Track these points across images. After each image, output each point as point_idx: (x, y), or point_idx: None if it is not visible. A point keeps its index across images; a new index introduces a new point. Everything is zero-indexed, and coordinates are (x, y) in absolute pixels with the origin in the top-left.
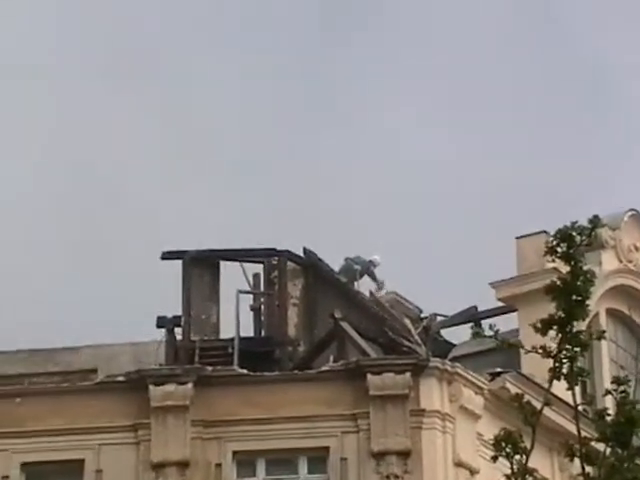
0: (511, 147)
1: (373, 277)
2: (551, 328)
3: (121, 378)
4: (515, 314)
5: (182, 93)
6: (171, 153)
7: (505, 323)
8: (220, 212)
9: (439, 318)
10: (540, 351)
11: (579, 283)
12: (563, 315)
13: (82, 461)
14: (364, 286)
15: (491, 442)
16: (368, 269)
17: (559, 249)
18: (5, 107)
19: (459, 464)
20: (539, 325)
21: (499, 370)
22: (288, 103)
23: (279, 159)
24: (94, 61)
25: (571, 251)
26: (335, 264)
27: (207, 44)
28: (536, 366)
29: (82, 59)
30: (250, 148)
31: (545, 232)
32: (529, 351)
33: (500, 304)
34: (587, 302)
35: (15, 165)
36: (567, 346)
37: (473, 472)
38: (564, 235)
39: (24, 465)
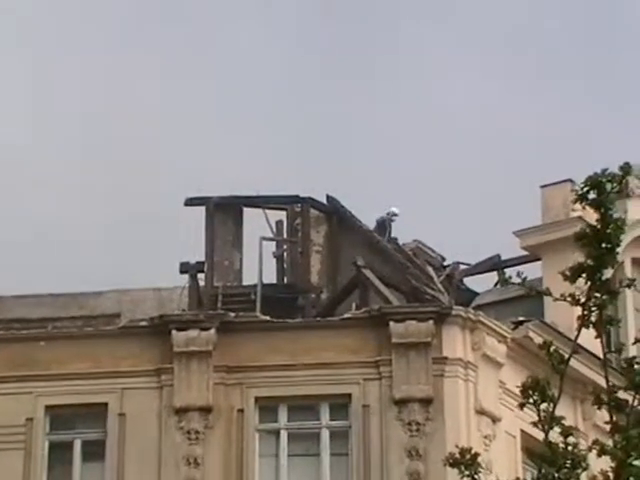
0: (537, 95)
1: (388, 230)
2: (580, 276)
3: (144, 323)
4: (538, 263)
5: (211, 45)
6: (198, 102)
7: (529, 271)
8: (245, 159)
9: (462, 266)
10: (569, 299)
11: (609, 231)
12: (592, 263)
13: (105, 405)
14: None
15: (517, 389)
16: (385, 221)
17: (589, 196)
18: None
19: (481, 412)
20: (568, 273)
21: (522, 319)
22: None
23: (308, 111)
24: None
25: (601, 198)
26: (360, 214)
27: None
28: (560, 315)
29: None
30: (279, 101)
31: (570, 181)
32: (557, 299)
33: (524, 253)
34: (617, 250)
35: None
36: (596, 294)
37: (495, 420)
38: (594, 182)
39: (48, 408)
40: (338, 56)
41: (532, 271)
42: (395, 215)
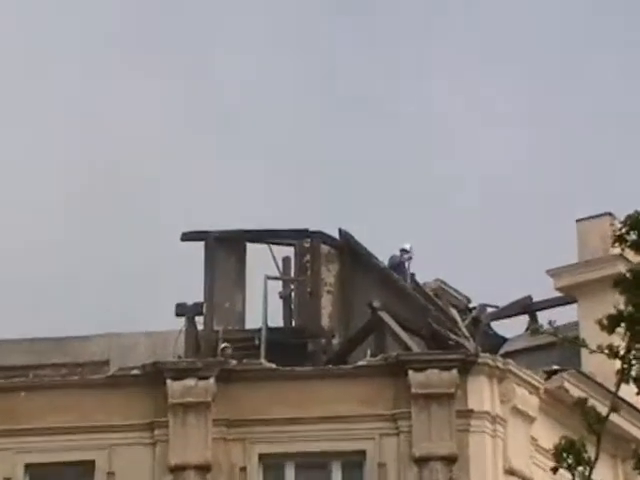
0: (569, 119)
1: (405, 268)
2: (619, 325)
3: (136, 371)
4: (575, 305)
5: (209, 66)
6: (199, 131)
7: (563, 315)
8: (249, 191)
9: (489, 309)
10: (606, 351)
11: None
12: (632, 311)
13: (92, 462)
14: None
15: (549, 451)
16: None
17: (628, 237)
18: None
19: (510, 472)
20: (605, 321)
21: (557, 368)
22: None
23: (318, 142)
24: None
25: None
26: (375, 250)
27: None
28: (599, 364)
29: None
30: (287, 131)
31: (610, 214)
32: (594, 351)
33: (558, 294)
34: None
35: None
36: (637, 345)
37: None
38: (634, 221)
39: (28, 466)
40: (345, 85)
41: (568, 314)
42: (406, 252)
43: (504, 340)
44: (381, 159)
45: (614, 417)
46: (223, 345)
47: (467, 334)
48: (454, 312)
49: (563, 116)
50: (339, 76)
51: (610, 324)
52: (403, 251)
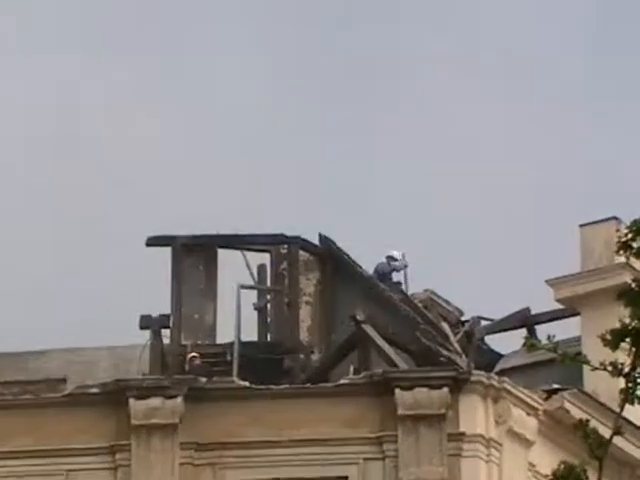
0: (567, 118)
1: (388, 277)
2: (623, 340)
3: (96, 390)
4: (577, 319)
5: (180, 64)
6: (168, 128)
7: (564, 329)
8: (221, 193)
9: (484, 322)
10: (609, 368)
11: None
12: (638, 325)
13: None
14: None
15: (548, 477)
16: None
17: (634, 244)
18: None
19: None
20: (609, 337)
21: (557, 387)
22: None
23: (298, 141)
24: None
25: None
26: (359, 259)
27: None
28: (603, 382)
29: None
30: (264, 129)
31: (615, 219)
32: (596, 368)
33: (559, 306)
34: None
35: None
36: None
37: None
38: None
39: None
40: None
41: (569, 328)
42: (394, 259)
43: (500, 356)
44: (368, 160)
45: (618, 440)
46: (191, 355)
47: (459, 350)
48: (445, 326)
49: (562, 114)
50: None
51: (614, 339)
52: (390, 258)
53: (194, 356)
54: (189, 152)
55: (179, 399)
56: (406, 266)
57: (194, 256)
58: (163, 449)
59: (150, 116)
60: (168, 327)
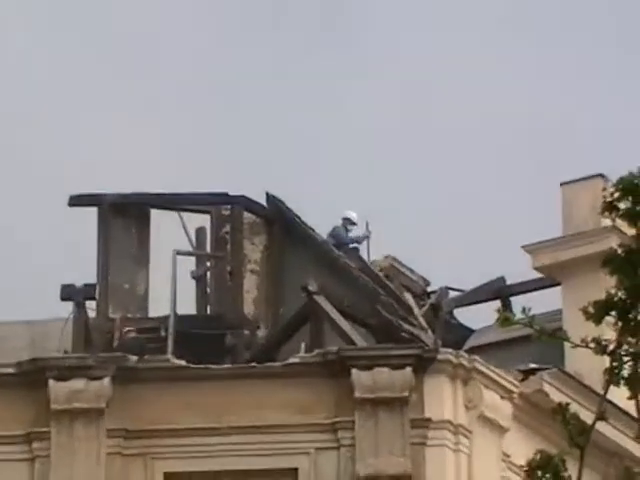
0: (554, 63)
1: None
2: (608, 314)
3: (10, 370)
4: (557, 289)
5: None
6: (97, 76)
7: (543, 301)
8: (156, 147)
9: (452, 293)
10: (592, 345)
11: None
12: (624, 296)
13: None
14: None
15: (522, 468)
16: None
17: (621, 205)
18: None
19: None
20: (591, 309)
21: (534, 366)
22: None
23: (243, 86)
24: None
25: (638, 208)
26: (312, 221)
27: None
28: (586, 361)
29: None
30: (204, 72)
31: (601, 176)
32: (577, 345)
33: (537, 275)
34: None
35: None
36: (630, 339)
37: None
38: (628, 185)
39: None
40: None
41: (548, 300)
42: (352, 223)
43: (470, 332)
44: (325, 107)
45: (603, 426)
46: (127, 329)
47: (424, 324)
48: (409, 297)
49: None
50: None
51: (597, 312)
52: (347, 221)
53: (130, 330)
54: (118, 103)
55: (106, 380)
56: (367, 236)
57: (124, 218)
58: (87, 437)
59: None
60: (93, 298)
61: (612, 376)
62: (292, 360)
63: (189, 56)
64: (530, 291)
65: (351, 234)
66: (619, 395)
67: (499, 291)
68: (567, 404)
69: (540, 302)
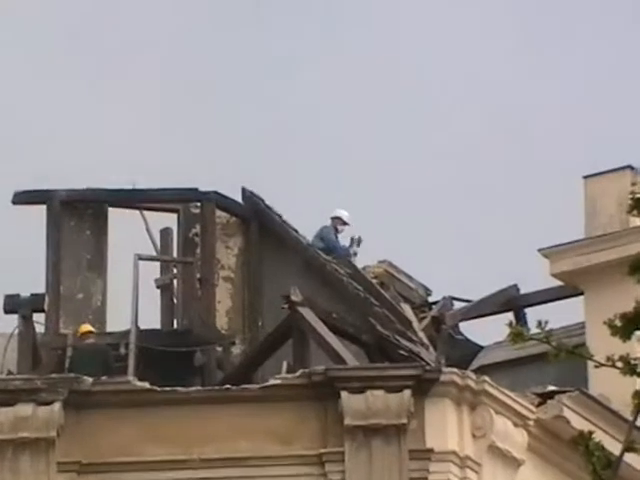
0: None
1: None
2: (638, 328)
3: None
4: (579, 299)
5: None
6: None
7: (563, 313)
8: (117, 137)
9: (457, 304)
10: (619, 364)
11: None
12: None
13: None
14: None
15: None
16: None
17: None
18: None
19: None
20: (618, 323)
21: (553, 389)
22: None
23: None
24: None
25: None
26: (297, 221)
27: None
28: (612, 381)
29: None
30: (178, 52)
31: (631, 168)
32: (602, 364)
33: (556, 283)
34: None
35: None
36: None
37: None
38: None
39: None
40: None
41: (570, 311)
42: (344, 223)
43: (479, 349)
44: (310, 92)
45: (630, 458)
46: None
47: (425, 340)
48: (407, 308)
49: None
50: None
51: (625, 326)
52: (337, 220)
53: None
54: (75, 91)
55: (56, 406)
56: (356, 253)
57: (78, 217)
58: (35, 472)
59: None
60: (42, 311)
61: None
62: (272, 382)
63: (162, 41)
64: (547, 301)
65: (342, 238)
66: None
67: (511, 301)
68: (591, 432)
69: (559, 314)
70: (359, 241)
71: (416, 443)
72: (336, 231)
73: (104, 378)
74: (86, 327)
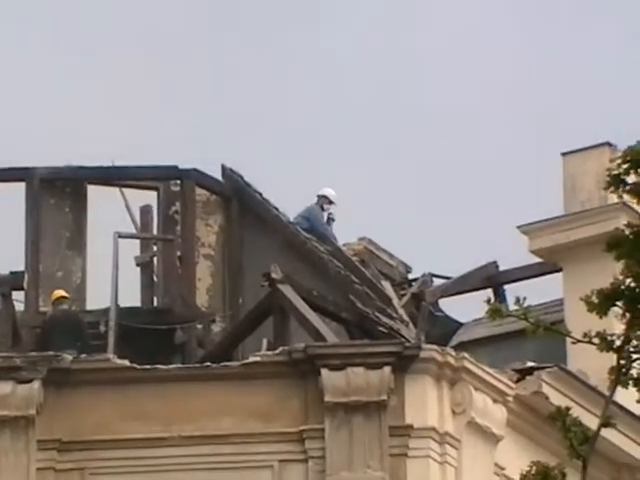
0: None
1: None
2: (615, 304)
3: None
4: (558, 276)
5: None
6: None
7: (542, 290)
8: (94, 114)
9: (437, 281)
10: (596, 341)
11: None
12: (634, 284)
13: None
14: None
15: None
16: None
17: (628, 178)
18: None
19: None
20: (595, 299)
21: (531, 365)
22: None
23: (200, 46)
24: None
25: None
26: (276, 199)
27: None
28: (591, 357)
29: None
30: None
31: (609, 145)
32: (580, 340)
33: (535, 260)
34: None
35: None
36: (639, 333)
37: None
38: (637, 156)
39: None
40: None
41: (548, 288)
42: (330, 202)
43: (458, 326)
44: (293, 67)
45: (609, 432)
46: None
47: (405, 317)
48: (387, 285)
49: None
50: None
51: (602, 303)
52: (323, 199)
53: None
54: (56, 64)
55: (36, 384)
56: (332, 219)
57: (57, 195)
58: (15, 450)
59: None
60: (22, 288)
61: (619, 376)
62: (252, 359)
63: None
64: (526, 278)
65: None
66: (628, 397)
67: (491, 278)
68: (568, 408)
69: (538, 291)
70: (331, 219)
71: (396, 419)
72: (322, 210)
73: (84, 356)
74: (59, 292)
